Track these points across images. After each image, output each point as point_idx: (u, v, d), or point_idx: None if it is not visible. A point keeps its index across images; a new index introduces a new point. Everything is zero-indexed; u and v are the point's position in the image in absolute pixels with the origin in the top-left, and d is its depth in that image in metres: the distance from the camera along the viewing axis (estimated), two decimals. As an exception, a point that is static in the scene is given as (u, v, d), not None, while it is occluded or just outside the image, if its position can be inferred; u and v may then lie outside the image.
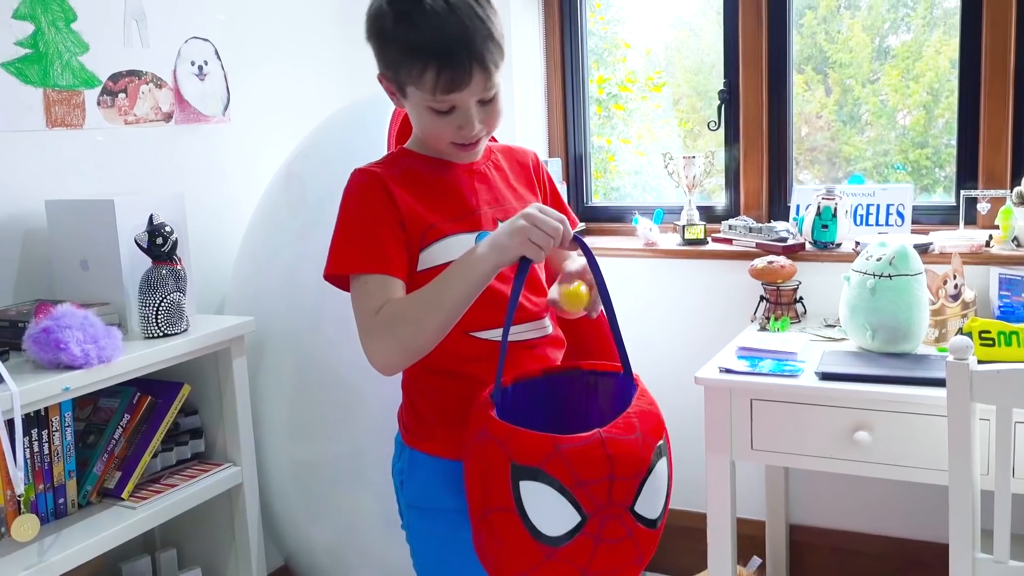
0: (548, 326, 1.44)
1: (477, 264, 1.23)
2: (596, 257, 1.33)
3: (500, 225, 1.27)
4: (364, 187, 1.33)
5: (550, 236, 1.21)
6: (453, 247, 1.33)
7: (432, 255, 1.33)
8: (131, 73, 2.08)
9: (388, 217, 1.31)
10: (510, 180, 1.45)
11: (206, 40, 2.26)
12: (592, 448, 1.15)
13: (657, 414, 1.26)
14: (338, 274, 1.32)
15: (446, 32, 1.22)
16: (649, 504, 1.20)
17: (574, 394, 1.39)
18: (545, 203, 1.44)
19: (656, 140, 3.07)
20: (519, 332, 1.38)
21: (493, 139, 1.50)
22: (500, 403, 1.25)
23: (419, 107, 1.30)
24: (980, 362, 1.60)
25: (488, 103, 1.31)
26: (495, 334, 1.33)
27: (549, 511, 1.14)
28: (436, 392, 1.38)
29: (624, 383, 1.34)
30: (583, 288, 1.34)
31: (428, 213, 1.33)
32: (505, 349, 1.26)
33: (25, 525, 1.54)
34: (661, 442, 1.23)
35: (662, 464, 1.23)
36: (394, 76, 1.31)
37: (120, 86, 2.05)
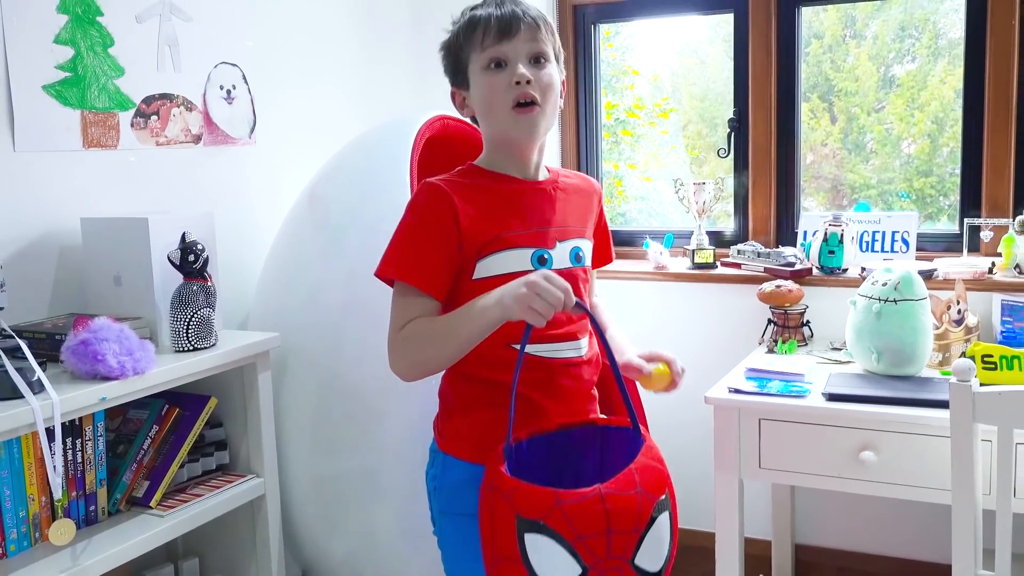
0: (584, 347, 1.50)
1: (485, 314, 1.31)
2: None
3: (508, 284, 1.30)
4: (430, 199, 1.41)
5: (551, 305, 1.25)
6: (509, 260, 1.41)
7: (488, 266, 1.41)
8: (163, 96, 2.16)
9: (445, 238, 1.39)
10: (572, 206, 1.52)
11: (234, 65, 2.34)
12: (591, 503, 1.19)
13: (660, 469, 1.29)
14: (384, 276, 1.42)
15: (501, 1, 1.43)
16: (651, 557, 1.23)
17: (589, 448, 1.43)
18: (596, 235, 1.58)
19: (663, 166, 3.13)
20: (560, 350, 1.46)
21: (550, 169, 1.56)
22: (513, 457, 1.32)
23: (478, 79, 1.42)
24: (982, 385, 1.66)
25: (539, 66, 1.41)
26: (536, 348, 1.41)
27: (552, 563, 1.20)
28: (472, 398, 1.46)
29: (634, 437, 1.38)
30: (672, 371, 1.51)
31: (491, 226, 1.41)
32: (515, 400, 1.31)
33: (62, 529, 1.60)
34: (663, 496, 1.26)
35: (664, 518, 1.26)
36: (456, 64, 1.44)
37: (153, 109, 2.13)
